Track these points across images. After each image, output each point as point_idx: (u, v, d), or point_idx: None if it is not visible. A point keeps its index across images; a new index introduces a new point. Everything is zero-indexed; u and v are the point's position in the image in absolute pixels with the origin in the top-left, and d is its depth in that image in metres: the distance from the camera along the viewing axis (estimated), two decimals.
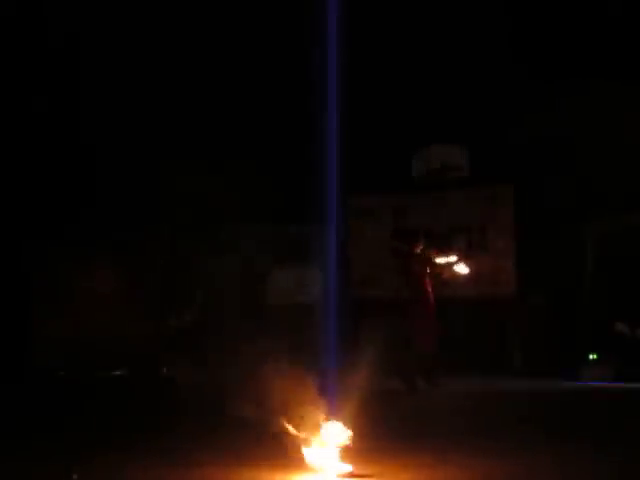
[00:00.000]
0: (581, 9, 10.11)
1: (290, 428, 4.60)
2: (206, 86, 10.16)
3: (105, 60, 9.77)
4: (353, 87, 9.12)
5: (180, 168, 9.93)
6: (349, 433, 4.58)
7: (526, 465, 4.74)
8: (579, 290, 10.63)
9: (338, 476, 4.48)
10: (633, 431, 5.81)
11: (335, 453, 4.55)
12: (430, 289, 8.84)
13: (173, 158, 9.87)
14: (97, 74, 9.91)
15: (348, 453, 4.58)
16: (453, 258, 8.94)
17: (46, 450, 5.32)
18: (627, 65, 10.11)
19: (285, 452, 4.57)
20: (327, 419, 4.61)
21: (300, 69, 8.94)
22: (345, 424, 4.61)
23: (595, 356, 9.97)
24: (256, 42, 9.97)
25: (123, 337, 9.67)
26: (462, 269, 8.93)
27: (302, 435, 4.58)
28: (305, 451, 4.57)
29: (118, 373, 9.33)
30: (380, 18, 10.01)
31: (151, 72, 9.92)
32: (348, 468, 4.50)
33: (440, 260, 8.89)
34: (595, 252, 10.66)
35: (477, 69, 10.16)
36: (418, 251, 8.88)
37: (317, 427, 4.59)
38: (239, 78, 10.24)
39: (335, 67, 7.90)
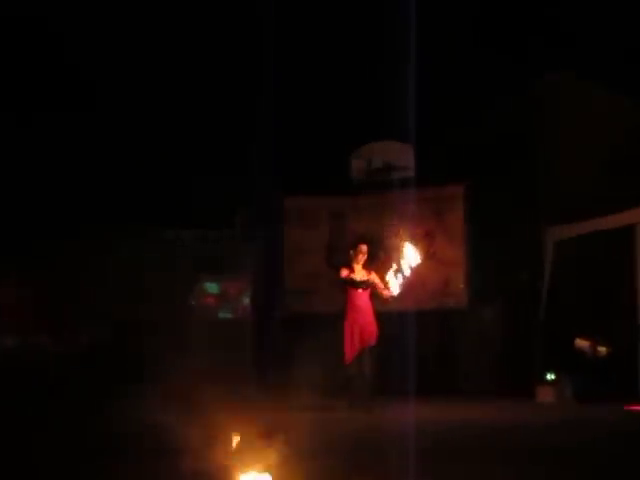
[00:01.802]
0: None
1: (227, 455, 4.60)
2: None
3: None
4: (290, 81, 9.77)
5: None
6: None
7: None
8: (536, 302, 10.13)
9: None
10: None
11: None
12: (368, 301, 8.52)
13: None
14: None
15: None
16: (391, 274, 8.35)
17: None
18: (591, 59, 9.98)
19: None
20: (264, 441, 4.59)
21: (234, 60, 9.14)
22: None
23: (553, 375, 9.55)
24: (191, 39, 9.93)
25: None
26: (393, 287, 8.32)
27: (237, 461, 4.54)
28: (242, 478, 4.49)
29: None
30: (310, 13, 10.02)
31: None
32: None
33: (374, 277, 8.50)
34: (554, 260, 10.11)
35: (423, 62, 9.46)
36: (359, 261, 8.55)
37: (253, 452, 4.54)
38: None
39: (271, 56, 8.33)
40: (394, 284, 8.29)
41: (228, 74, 9.89)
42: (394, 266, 8.31)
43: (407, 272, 8.25)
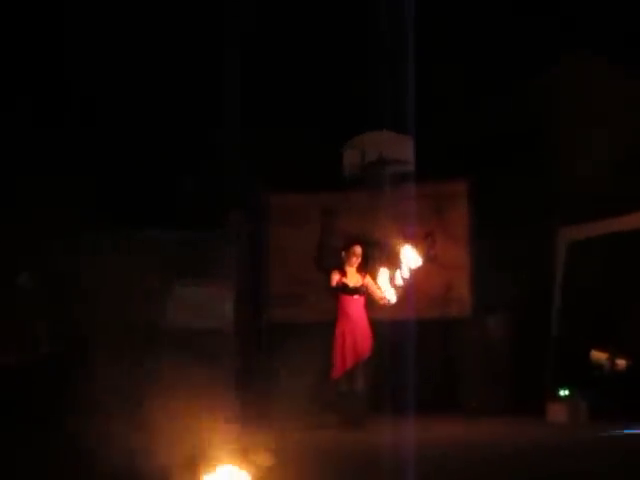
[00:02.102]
0: None
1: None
2: None
3: None
4: (275, 65, 9.69)
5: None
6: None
7: None
8: (547, 310, 9.74)
9: None
10: None
11: None
12: (363, 309, 8.34)
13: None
14: None
15: None
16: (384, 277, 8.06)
17: None
18: (612, 41, 9.37)
19: None
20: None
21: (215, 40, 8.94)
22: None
23: (566, 391, 9.12)
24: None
25: None
26: (390, 293, 8.06)
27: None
28: None
29: None
30: None
31: None
32: None
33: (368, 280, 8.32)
34: (568, 263, 9.70)
35: (424, 43, 9.10)
36: (352, 265, 8.38)
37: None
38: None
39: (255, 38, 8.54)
40: (390, 290, 7.98)
41: (208, 53, 9.33)
42: (391, 270, 7.98)
43: (405, 277, 7.87)
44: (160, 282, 9.76)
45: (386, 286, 7.94)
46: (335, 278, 8.27)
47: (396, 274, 7.88)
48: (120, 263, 9.34)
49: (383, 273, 7.99)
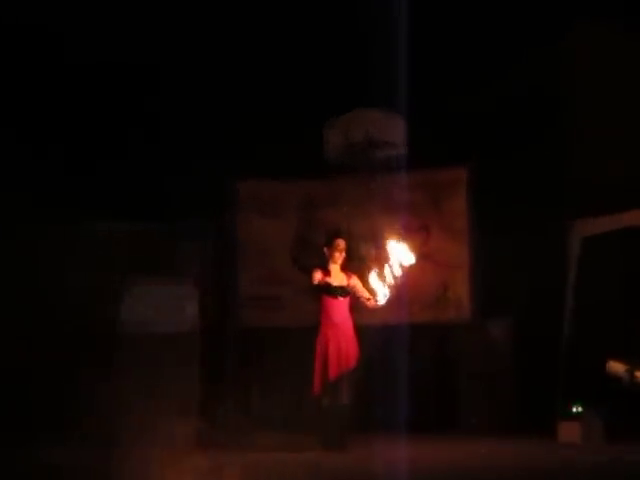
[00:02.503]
0: None
1: None
2: None
3: None
4: (249, 32, 9.32)
5: None
6: None
7: None
8: (558, 314, 9.24)
9: None
10: None
11: None
12: (348, 313, 7.97)
13: None
14: None
15: None
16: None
17: None
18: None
19: None
20: None
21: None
22: None
23: (579, 408, 8.76)
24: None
25: None
26: (380, 294, 7.74)
27: None
28: None
29: None
30: None
31: None
32: None
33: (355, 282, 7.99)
34: (582, 261, 9.19)
35: (419, 6, 8.73)
36: (336, 261, 8.03)
37: None
38: None
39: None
40: (382, 290, 7.66)
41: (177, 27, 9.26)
42: (379, 268, 7.65)
43: (396, 276, 7.54)
44: (113, 281, 9.45)
45: (377, 286, 7.65)
46: (317, 277, 7.93)
47: (385, 273, 7.58)
48: (67, 259, 9.18)
49: (372, 272, 7.70)
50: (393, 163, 9.93)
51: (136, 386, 7.69)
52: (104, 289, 9.29)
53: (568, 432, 8.60)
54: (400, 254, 7.52)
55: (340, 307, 7.91)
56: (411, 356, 9.24)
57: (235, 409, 8.44)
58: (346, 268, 8.01)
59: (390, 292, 7.68)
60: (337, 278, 7.91)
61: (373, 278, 7.65)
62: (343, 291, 7.88)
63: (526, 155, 9.33)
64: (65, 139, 9.20)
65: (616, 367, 8.60)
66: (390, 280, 7.57)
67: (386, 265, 7.53)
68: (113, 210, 9.35)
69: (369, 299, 7.75)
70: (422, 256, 8.63)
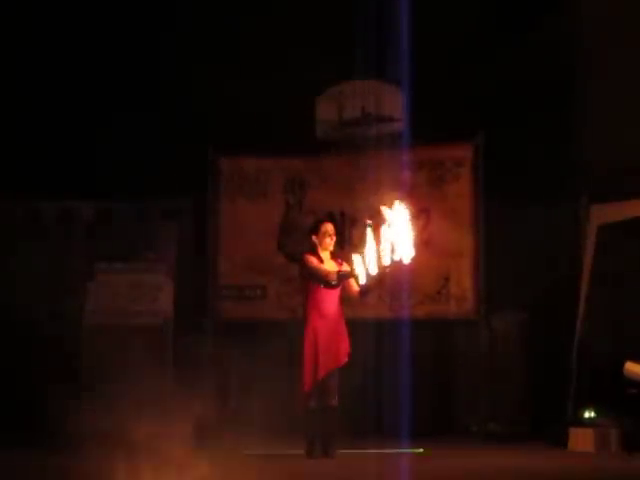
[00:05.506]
0: None
1: None
2: None
3: None
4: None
5: None
6: None
7: None
8: (571, 309, 8.87)
9: None
10: None
11: None
12: (338, 305, 7.58)
13: None
14: None
15: None
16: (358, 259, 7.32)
17: None
18: None
19: None
20: None
21: None
22: None
23: (592, 413, 8.38)
24: None
25: None
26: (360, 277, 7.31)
27: None
28: None
29: None
30: None
31: None
32: None
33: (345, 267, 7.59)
34: (598, 250, 8.82)
35: None
36: (326, 247, 7.61)
37: None
38: None
39: None
40: (362, 274, 7.20)
41: None
42: (372, 255, 7.10)
43: (390, 264, 6.99)
44: (81, 266, 9.23)
45: (359, 270, 7.21)
46: (312, 262, 7.54)
47: (381, 257, 7.04)
48: (25, 243, 9.05)
49: (357, 258, 7.27)
50: (391, 140, 9.60)
51: (102, 381, 7.53)
52: (66, 277, 9.10)
53: (580, 440, 8.13)
54: (396, 241, 6.95)
55: (331, 298, 7.45)
56: (408, 355, 8.79)
57: (212, 411, 7.55)
58: (336, 256, 7.58)
59: (383, 282, 7.40)
60: (329, 266, 7.47)
61: (357, 262, 7.19)
62: (343, 276, 7.48)
63: (538, 132, 9.05)
64: (31, 116, 9.01)
65: (634, 368, 8.17)
66: (381, 264, 7.03)
67: (377, 249, 6.99)
68: (73, 188, 9.04)
69: (357, 291, 7.40)
70: (421, 243, 8.06)
